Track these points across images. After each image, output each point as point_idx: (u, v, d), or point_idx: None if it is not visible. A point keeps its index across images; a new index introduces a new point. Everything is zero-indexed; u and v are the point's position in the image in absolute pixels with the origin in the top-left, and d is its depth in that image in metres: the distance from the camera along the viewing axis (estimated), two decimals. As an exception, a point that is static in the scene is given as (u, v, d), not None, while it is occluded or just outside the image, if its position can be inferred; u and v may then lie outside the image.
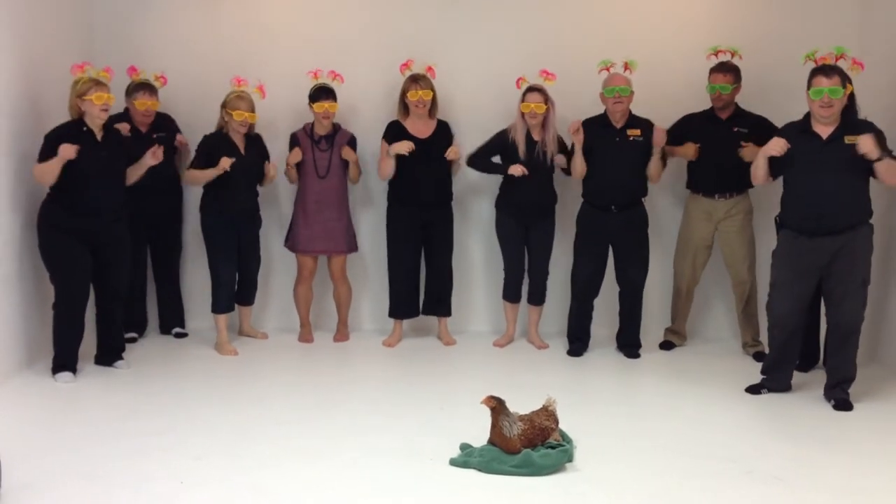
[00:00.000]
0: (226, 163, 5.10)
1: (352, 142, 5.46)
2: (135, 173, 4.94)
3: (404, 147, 5.20)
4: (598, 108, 5.24)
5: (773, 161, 4.43)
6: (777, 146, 4.34)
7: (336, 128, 5.45)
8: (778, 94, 5.25)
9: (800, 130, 4.36)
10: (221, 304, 5.35)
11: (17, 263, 4.73)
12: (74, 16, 5.47)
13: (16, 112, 4.73)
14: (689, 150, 5.24)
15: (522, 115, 5.18)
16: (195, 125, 5.51)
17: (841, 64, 4.37)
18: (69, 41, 5.37)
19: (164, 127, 5.46)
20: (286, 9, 5.80)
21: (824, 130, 4.29)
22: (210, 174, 5.14)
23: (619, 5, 5.71)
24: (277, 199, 5.83)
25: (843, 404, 4.33)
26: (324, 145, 5.39)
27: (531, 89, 5.17)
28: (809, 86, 4.28)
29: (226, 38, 5.75)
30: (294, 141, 5.42)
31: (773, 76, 5.40)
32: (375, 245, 5.77)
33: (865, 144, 4.15)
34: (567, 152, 5.28)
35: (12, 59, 4.70)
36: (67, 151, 4.50)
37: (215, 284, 5.34)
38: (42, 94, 4.95)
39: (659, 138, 5.08)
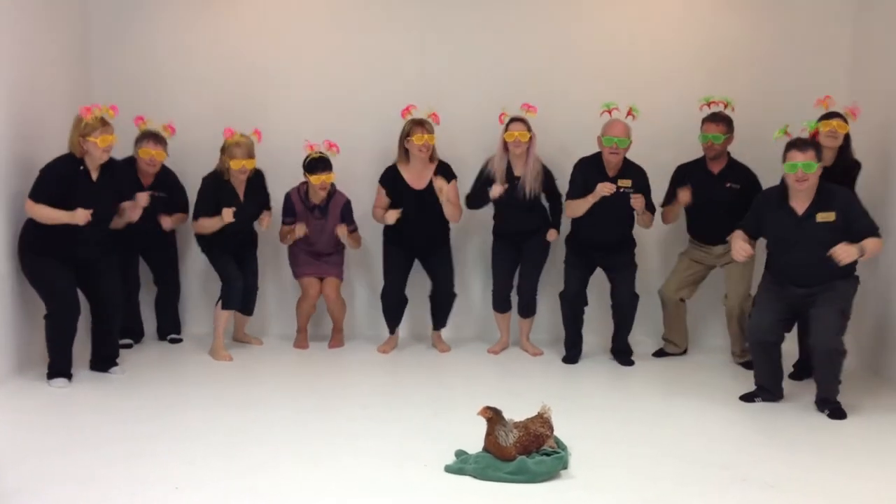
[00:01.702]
0: (227, 215, 5.10)
1: (346, 207, 5.46)
2: (116, 223, 4.92)
3: (391, 218, 5.25)
4: (590, 144, 5.24)
5: (750, 230, 4.58)
6: (742, 254, 4.49)
7: (331, 192, 5.43)
8: (768, 145, 5.06)
9: (777, 204, 4.42)
10: (231, 299, 5.29)
11: (7, 269, 4.71)
12: (70, 44, 5.46)
13: (6, 121, 4.70)
14: (684, 197, 5.21)
15: (505, 145, 5.22)
16: (193, 158, 5.51)
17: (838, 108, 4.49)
18: (65, 70, 5.36)
19: (167, 185, 5.39)
20: (286, 37, 5.82)
21: (800, 206, 4.35)
22: (214, 224, 5.15)
23: (616, 50, 5.74)
24: (278, 209, 5.81)
25: (837, 413, 4.35)
26: (318, 214, 5.41)
27: (514, 120, 5.21)
28: (784, 159, 4.33)
29: (226, 50, 5.77)
30: (288, 203, 5.42)
31: (765, 125, 5.25)
32: (371, 254, 5.79)
33: (844, 255, 4.18)
34: (555, 191, 5.33)
35: (4, 88, 4.68)
36: (81, 217, 4.48)
37: (225, 282, 5.29)
38: (34, 107, 4.93)
39: (637, 204, 5.08)
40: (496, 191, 5.23)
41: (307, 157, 5.32)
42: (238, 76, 5.77)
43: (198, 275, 5.84)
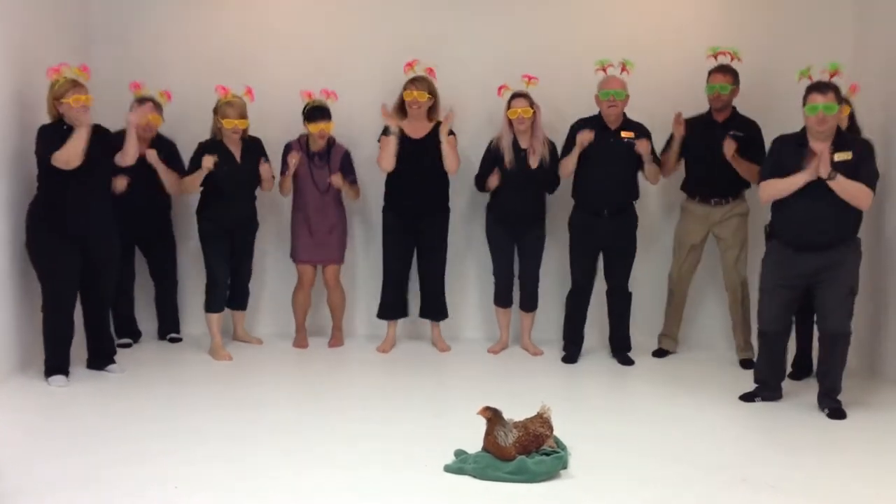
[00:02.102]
0: (208, 161, 5.07)
1: (346, 158, 5.46)
2: (128, 153, 4.80)
3: (391, 119, 5.21)
4: (593, 110, 5.25)
5: (770, 173, 4.45)
6: (820, 170, 4.21)
7: (330, 142, 5.44)
8: (774, 102, 5.30)
9: (797, 144, 4.38)
10: (215, 303, 5.34)
11: (8, 266, 4.71)
12: (70, 16, 5.45)
13: (5, 113, 4.71)
14: (678, 129, 5.19)
15: (510, 122, 5.21)
16: (192, 129, 5.50)
17: (836, 81, 4.40)
18: (65, 42, 5.35)
19: (163, 152, 5.35)
20: (285, 12, 5.82)
21: (819, 147, 4.30)
22: (198, 177, 5.12)
23: (618, 8, 5.74)
24: (275, 206, 5.81)
25: (836, 413, 4.35)
26: (319, 162, 5.39)
27: (516, 95, 5.19)
28: (805, 102, 4.31)
29: (225, 41, 5.77)
30: (288, 151, 5.40)
31: (770, 84, 5.44)
32: (370, 251, 5.79)
33: (823, 157, 4.16)
34: (555, 157, 5.28)
35: (4, 61, 4.68)
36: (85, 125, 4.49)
37: (210, 284, 5.33)
38: (34, 96, 4.89)
39: (643, 148, 5.08)
40: (493, 181, 5.24)
41: (305, 106, 5.32)
42: (235, 54, 5.73)
43: (196, 272, 5.79)
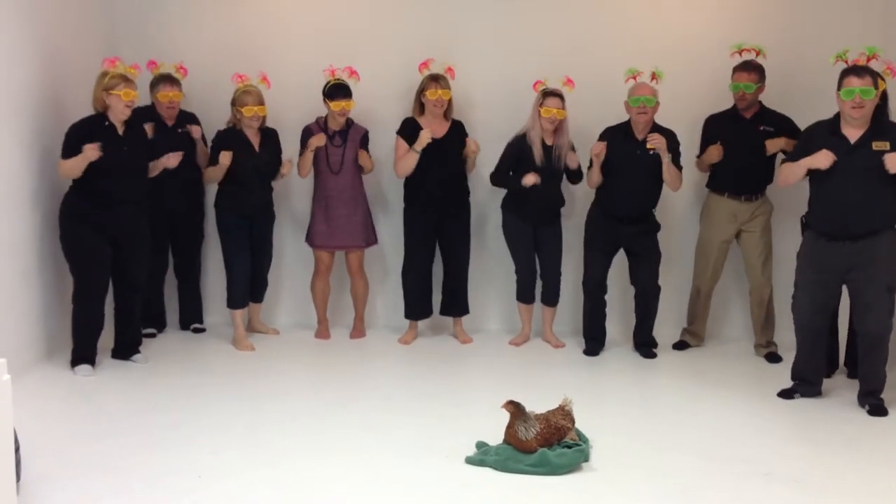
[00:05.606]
0: (225, 158, 5.12)
1: (364, 137, 5.46)
2: (153, 170, 4.99)
3: (426, 137, 5.19)
4: (615, 111, 5.20)
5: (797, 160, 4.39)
6: (825, 160, 4.19)
7: (349, 122, 5.45)
8: (801, 95, 5.23)
9: (829, 132, 4.28)
10: (237, 299, 5.37)
11: (37, 257, 4.77)
12: (95, 11, 5.51)
13: (37, 108, 4.77)
14: (714, 153, 5.16)
15: (539, 118, 5.15)
16: (214, 118, 5.51)
17: (872, 64, 4.30)
18: (90, 37, 5.40)
19: (189, 124, 5.44)
20: (302, 2, 5.83)
21: (853, 133, 4.21)
22: (219, 171, 5.17)
23: (640, 6, 5.68)
24: (292, 195, 5.83)
25: (877, 410, 4.26)
26: (337, 141, 5.38)
27: (551, 94, 5.12)
28: (840, 86, 4.19)
29: (245, 32, 5.77)
30: (307, 133, 5.40)
31: (796, 76, 5.37)
32: (392, 242, 5.78)
33: (893, 163, 4.07)
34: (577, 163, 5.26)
35: (33, 55, 4.74)
36: (91, 153, 4.53)
37: (230, 280, 5.36)
38: (62, 89, 4.99)
39: (658, 142, 4.98)
40: (529, 179, 5.14)
41: (327, 84, 5.32)
42: (255, 45, 5.73)
43: (220, 262, 5.81)
